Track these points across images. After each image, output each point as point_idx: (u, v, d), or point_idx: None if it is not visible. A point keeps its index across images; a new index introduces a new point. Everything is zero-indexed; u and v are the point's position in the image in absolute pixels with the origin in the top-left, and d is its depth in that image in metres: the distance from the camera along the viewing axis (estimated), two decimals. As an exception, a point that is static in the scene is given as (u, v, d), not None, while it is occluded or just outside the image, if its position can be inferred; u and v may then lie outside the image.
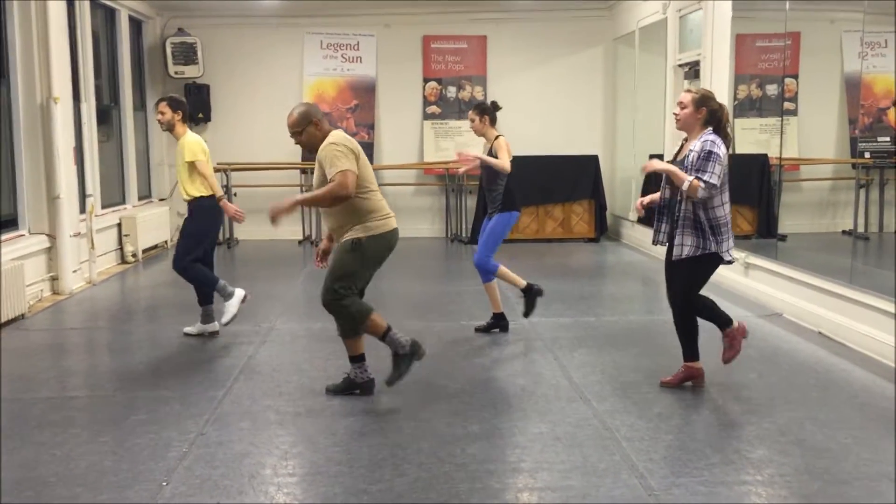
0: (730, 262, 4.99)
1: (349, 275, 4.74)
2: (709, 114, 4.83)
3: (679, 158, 4.95)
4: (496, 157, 6.26)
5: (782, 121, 7.87)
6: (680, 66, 9.81)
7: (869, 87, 7.75)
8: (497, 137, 6.35)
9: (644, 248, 10.92)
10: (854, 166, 8.26)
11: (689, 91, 5.03)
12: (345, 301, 4.73)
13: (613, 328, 6.75)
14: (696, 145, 4.81)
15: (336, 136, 4.76)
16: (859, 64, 7.39)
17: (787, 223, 8.09)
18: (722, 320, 5.06)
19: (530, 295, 6.52)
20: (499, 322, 6.56)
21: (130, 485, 3.79)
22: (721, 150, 4.74)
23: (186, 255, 6.34)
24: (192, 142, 6.30)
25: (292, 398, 5.01)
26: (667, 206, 4.99)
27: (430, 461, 4.04)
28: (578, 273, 9.62)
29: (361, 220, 4.74)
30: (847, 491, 3.71)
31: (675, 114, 4.97)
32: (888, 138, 7.97)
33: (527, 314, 6.60)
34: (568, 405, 4.85)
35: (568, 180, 11.77)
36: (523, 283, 6.51)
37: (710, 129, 4.84)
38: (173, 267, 6.42)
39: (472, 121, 6.42)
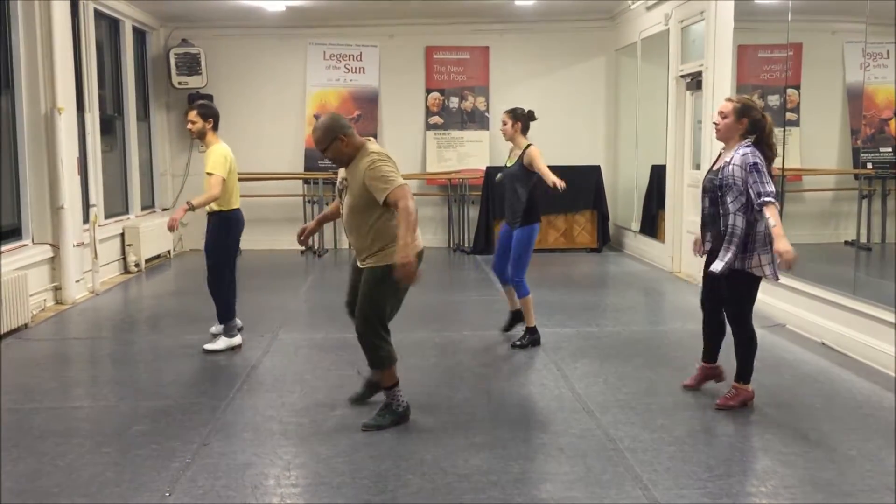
0: (774, 278, 4.78)
1: (384, 306, 4.55)
2: (751, 124, 4.68)
3: (715, 169, 4.83)
4: (529, 166, 6.22)
5: (784, 131, 7.88)
6: (682, 76, 9.83)
7: (871, 97, 7.75)
8: (528, 146, 6.26)
9: (646, 258, 10.92)
10: (856, 177, 8.25)
11: (730, 100, 4.80)
12: (378, 341, 4.54)
13: (616, 339, 6.74)
14: (734, 158, 4.65)
15: (375, 150, 4.45)
16: (861, 75, 7.39)
17: (790, 233, 8.03)
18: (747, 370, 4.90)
19: (530, 335, 6.41)
20: (532, 336, 6.44)
21: (133, 495, 3.79)
22: (760, 159, 4.60)
23: (224, 274, 6.28)
24: (216, 153, 6.11)
25: (295, 409, 5.01)
26: (708, 218, 4.87)
27: (433, 472, 4.03)
28: (581, 283, 9.61)
29: (393, 243, 4.41)
30: (851, 503, 3.70)
31: (715, 123, 4.81)
32: (890, 149, 7.97)
33: (506, 329, 6.65)
34: (571, 416, 4.85)
35: (570, 190, 11.58)
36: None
37: (750, 139, 4.69)
38: (208, 286, 6.34)
39: (504, 123, 6.32)
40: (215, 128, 6.26)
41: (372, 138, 4.68)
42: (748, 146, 4.68)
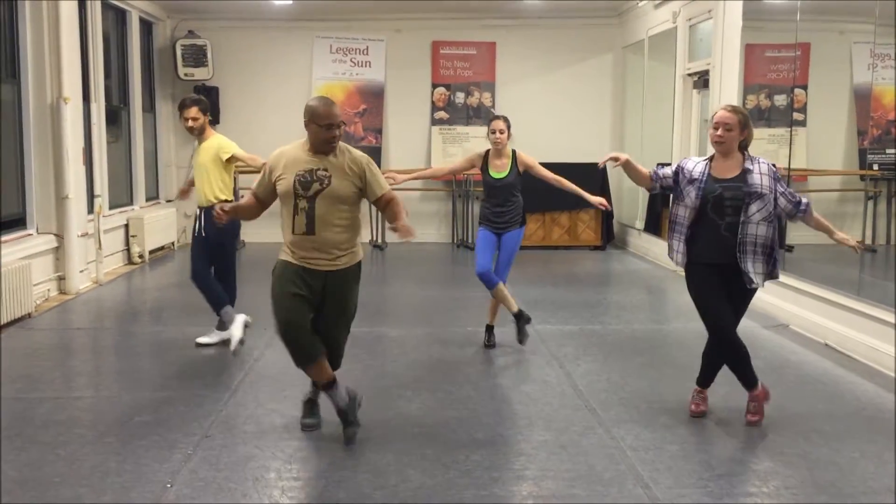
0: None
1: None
2: (749, 134, 4.67)
3: (730, 178, 4.59)
4: (518, 171, 6.10)
5: (791, 131, 7.86)
6: (689, 75, 9.81)
7: (878, 98, 7.73)
8: (516, 153, 6.13)
9: (650, 256, 10.91)
10: (862, 178, 8.24)
11: (733, 113, 4.66)
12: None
13: (619, 337, 6.73)
14: (759, 167, 4.57)
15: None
16: (869, 75, 7.37)
17: (794, 234, 8.05)
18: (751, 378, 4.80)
19: (523, 321, 6.28)
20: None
21: (134, 486, 3.80)
22: None
23: (201, 266, 6.24)
24: (223, 138, 6.23)
25: (297, 402, 4.98)
26: (730, 229, 4.59)
27: (434, 467, 4.03)
28: (584, 281, 9.60)
29: (356, 241, 4.43)
30: (853, 504, 3.70)
31: (720, 135, 4.62)
32: (896, 150, 7.95)
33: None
34: (573, 413, 4.84)
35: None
36: (515, 307, 6.29)
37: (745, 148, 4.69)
38: (191, 277, 6.33)
39: (503, 132, 6.03)
40: (210, 122, 6.33)
41: None
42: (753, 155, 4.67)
